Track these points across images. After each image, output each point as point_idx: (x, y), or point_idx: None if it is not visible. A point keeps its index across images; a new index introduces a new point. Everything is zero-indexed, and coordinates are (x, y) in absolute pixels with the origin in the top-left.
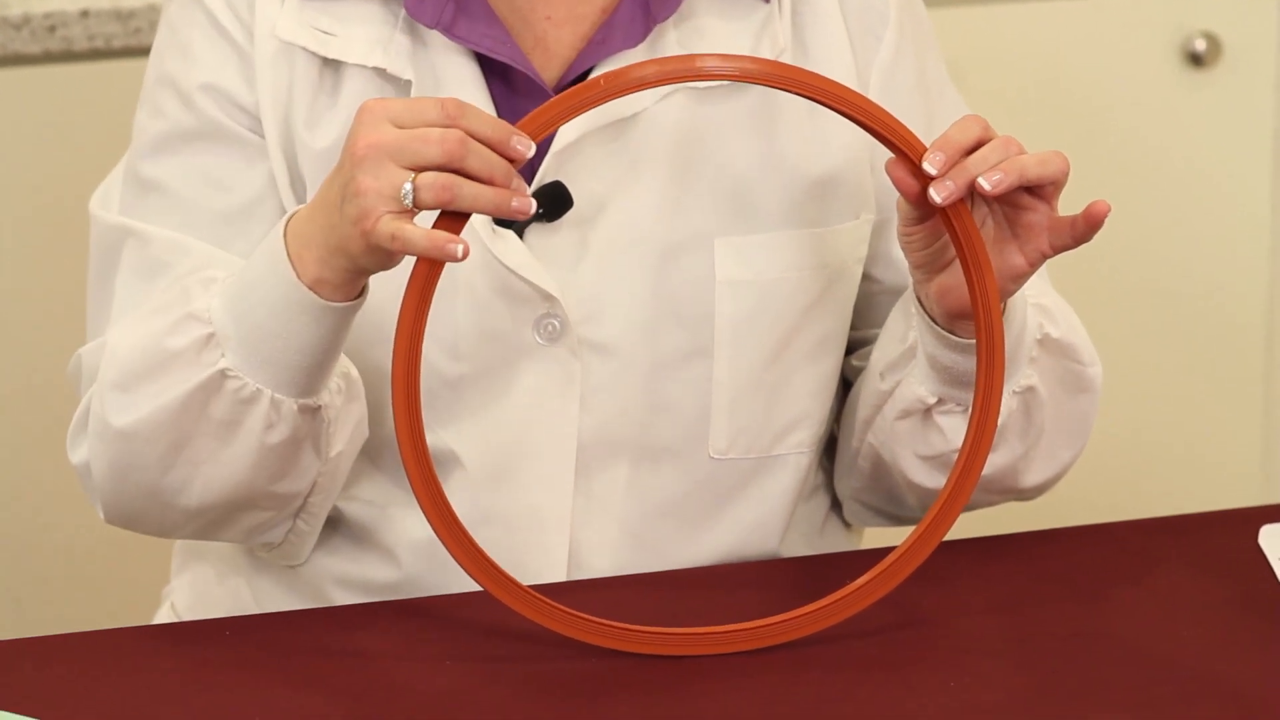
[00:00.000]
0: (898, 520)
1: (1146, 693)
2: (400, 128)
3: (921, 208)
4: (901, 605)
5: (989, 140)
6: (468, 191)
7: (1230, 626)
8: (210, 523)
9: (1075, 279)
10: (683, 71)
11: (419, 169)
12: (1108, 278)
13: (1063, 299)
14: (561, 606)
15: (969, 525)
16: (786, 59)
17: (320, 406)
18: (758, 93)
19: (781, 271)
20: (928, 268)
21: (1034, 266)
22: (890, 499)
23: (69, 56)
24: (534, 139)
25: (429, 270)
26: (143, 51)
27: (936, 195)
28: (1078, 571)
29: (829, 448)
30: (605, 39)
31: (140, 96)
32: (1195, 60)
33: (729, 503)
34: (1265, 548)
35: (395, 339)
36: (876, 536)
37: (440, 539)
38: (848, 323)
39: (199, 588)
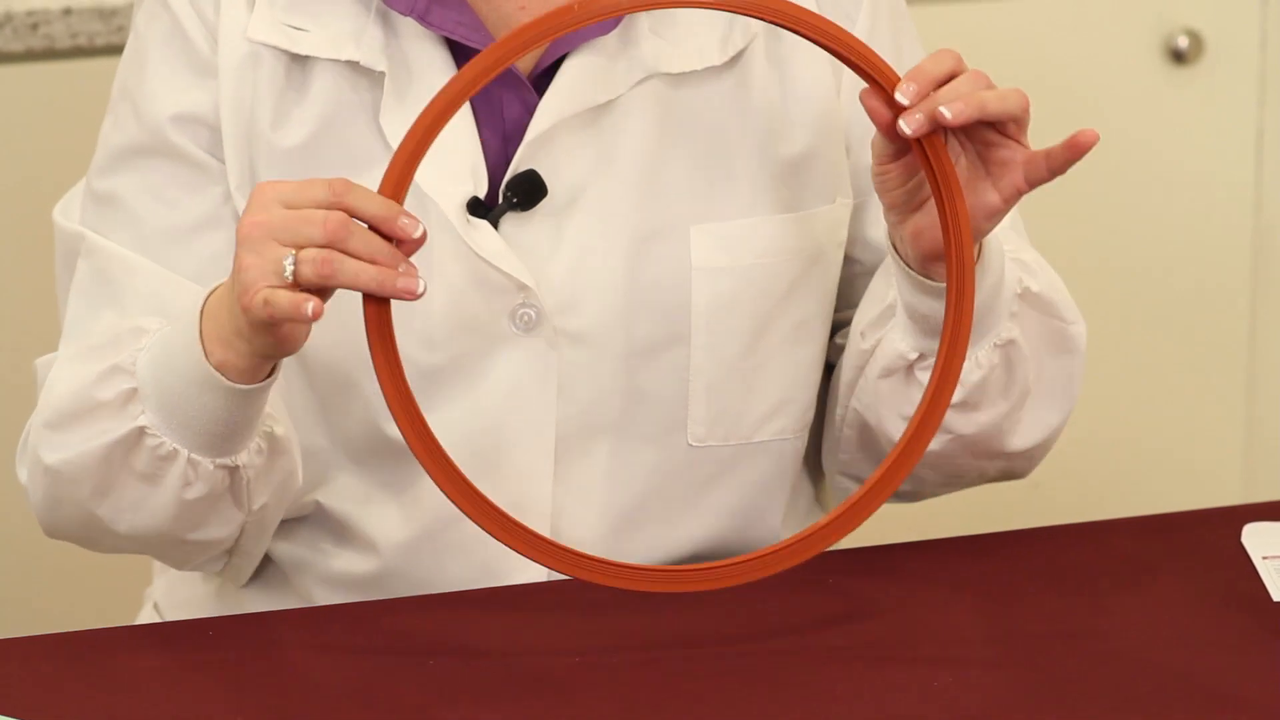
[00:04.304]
0: None
1: (1130, 691)
2: (288, 208)
3: (895, 140)
4: (886, 602)
5: (961, 72)
6: (349, 267)
7: (1213, 625)
8: (146, 550)
9: (1057, 273)
10: None
11: (301, 248)
12: (1090, 274)
13: (1042, 257)
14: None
15: (954, 524)
16: (759, 43)
17: (238, 466)
18: (731, 78)
19: (757, 257)
20: (902, 208)
21: (1009, 204)
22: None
23: (51, 54)
24: (505, 64)
25: (378, 313)
26: (124, 50)
27: (906, 126)
28: (1062, 570)
29: (813, 438)
30: None
31: (109, 104)
32: (1178, 57)
33: (709, 490)
34: (1248, 546)
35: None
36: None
37: (414, 452)
38: (829, 308)
39: (181, 588)
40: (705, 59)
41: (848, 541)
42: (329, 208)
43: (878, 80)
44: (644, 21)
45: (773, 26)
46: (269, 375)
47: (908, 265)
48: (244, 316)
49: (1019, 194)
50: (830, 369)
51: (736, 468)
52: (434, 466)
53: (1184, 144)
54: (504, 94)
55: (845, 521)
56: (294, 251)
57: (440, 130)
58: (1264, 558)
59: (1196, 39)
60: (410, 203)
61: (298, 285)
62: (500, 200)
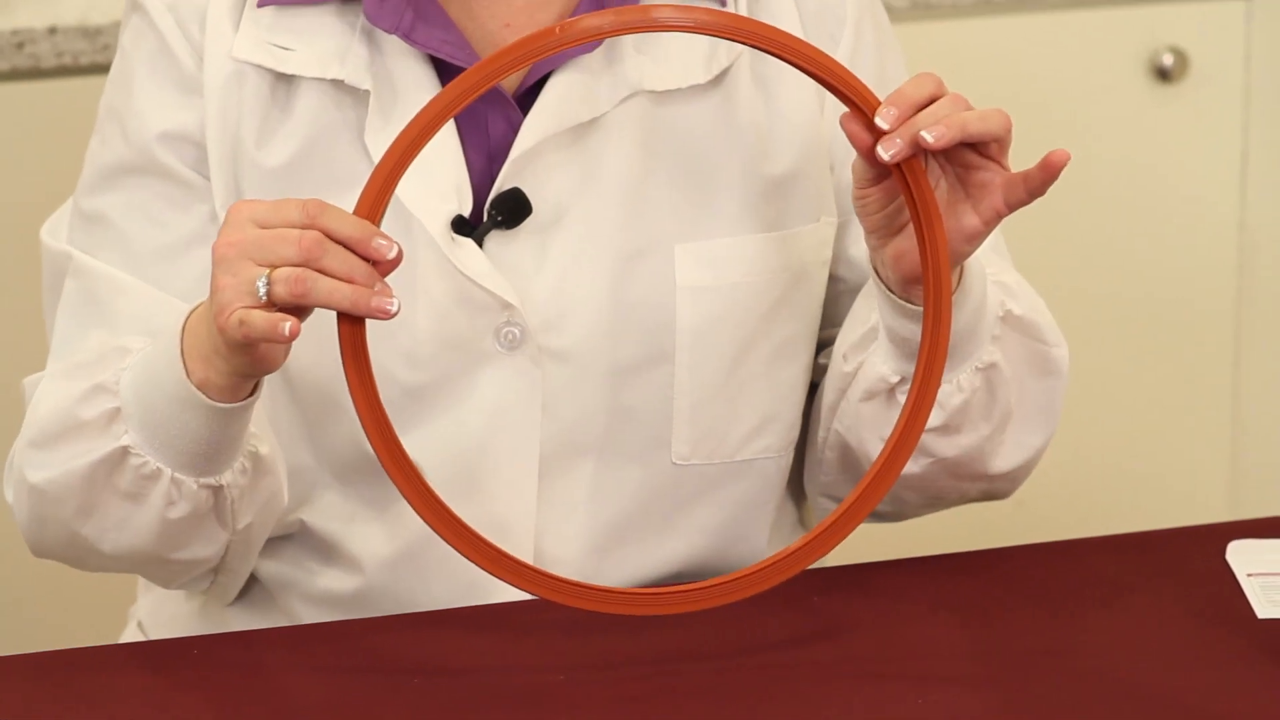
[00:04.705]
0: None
1: (1114, 709)
2: (263, 228)
3: (875, 164)
4: (870, 620)
5: (942, 96)
6: (323, 286)
7: (1198, 643)
8: (133, 569)
9: (1043, 292)
10: (638, 22)
11: (276, 267)
12: (1076, 291)
13: (1024, 279)
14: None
15: (938, 542)
16: (744, 61)
17: (222, 485)
18: (716, 96)
19: (742, 276)
20: (882, 232)
21: (989, 226)
22: None
23: (36, 74)
24: (486, 86)
25: (352, 331)
26: (110, 68)
27: (884, 152)
28: (1046, 588)
29: (796, 457)
30: None
31: (96, 124)
32: (1163, 75)
33: (693, 508)
34: (1233, 564)
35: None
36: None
37: (402, 492)
38: (814, 326)
39: (165, 606)
40: (690, 77)
41: (831, 559)
42: (303, 228)
43: (858, 104)
44: (628, 39)
45: None
46: (250, 394)
47: (889, 288)
48: (220, 336)
49: (999, 216)
50: (814, 388)
51: (720, 486)
52: (408, 486)
53: (1169, 161)
54: (489, 111)
55: (822, 542)
56: (268, 271)
57: (420, 150)
58: (1249, 575)
59: (1181, 57)
60: (394, 220)
61: (272, 304)
62: (485, 218)
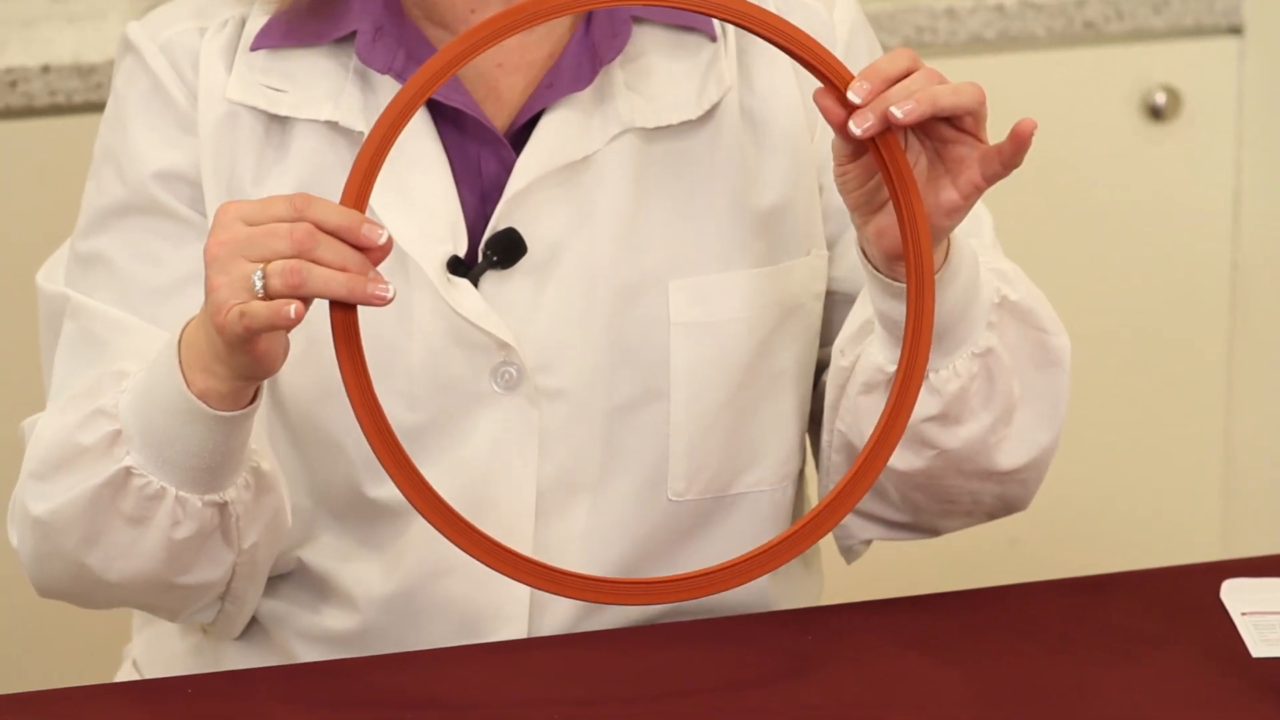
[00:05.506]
0: (882, 522)
1: None
2: (252, 225)
3: (850, 140)
4: (862, 658)
5: (916, 70)
6: (318, 275)
7: (1192, 681)
8: (139, 600)
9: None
10: None
11: (269, 261)
12: (1069, 327)
13: (1020, 268)
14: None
15: (931, 580)
16: (732, 96)
17: (227, 502)
18: (706, 131)
19: (735, 311)
20: (864, 209)
21: (968, 201)
22: (870, 494)
23: (30, 112)
24: (464, 61)
25: (344, 319)
26: (104, 107)
27: (856, 127)
28: (1039, 627)
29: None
30: (554, 83)
31: (91, 168)
32: (1155, 114)
33: (689, 543)
34: (1227, 602)
35: (343, 380)
36: (833, 578)
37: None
38: (809, 358)
39: (161, 645)
40: (681, 113)
41: (827, 597)
42: (292, 221)
43: (831, 79)
44: (619, 75)
45: (745, 77)
46: (251, 402)
47: (875, 268)
48: (220, 337)
49: (977, 190)
50: (815, 420)
51: (716, 521)
52: (390, 461)
53: (1162, 199)
54: (481, 151)
55: (820, 523)
56: (262, 266)
57: (400, 130)
58: (1243, 613)
59: (1174, 95)
60: (390, 261)
61: (269, 299)
62: (480, 258)
